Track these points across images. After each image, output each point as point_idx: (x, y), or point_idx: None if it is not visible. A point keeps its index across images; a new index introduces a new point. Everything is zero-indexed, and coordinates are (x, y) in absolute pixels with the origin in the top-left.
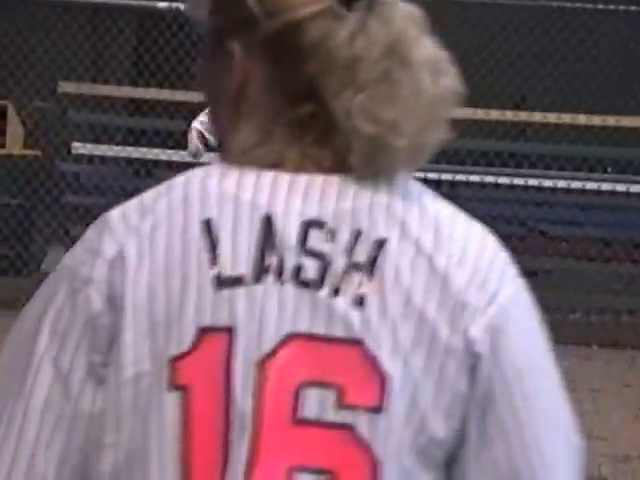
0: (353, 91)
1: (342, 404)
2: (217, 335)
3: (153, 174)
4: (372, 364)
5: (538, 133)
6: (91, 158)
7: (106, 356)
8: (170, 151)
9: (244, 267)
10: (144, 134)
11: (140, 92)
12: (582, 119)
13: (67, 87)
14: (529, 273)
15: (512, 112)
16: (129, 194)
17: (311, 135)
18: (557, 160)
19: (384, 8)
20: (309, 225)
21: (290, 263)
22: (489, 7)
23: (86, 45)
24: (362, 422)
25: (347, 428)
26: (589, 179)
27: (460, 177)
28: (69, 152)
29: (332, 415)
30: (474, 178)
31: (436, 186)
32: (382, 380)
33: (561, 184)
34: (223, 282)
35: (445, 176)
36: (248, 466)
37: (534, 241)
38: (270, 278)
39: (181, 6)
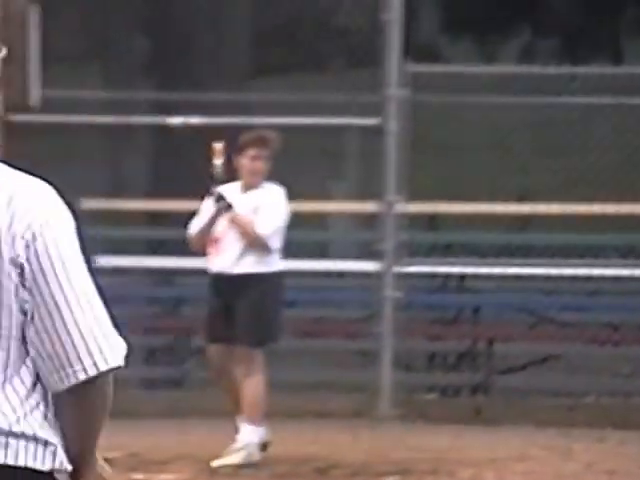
0: None
1: None
2: None
3: (173, 282)
4: None
5: (542, 224)
6: (113, 270)
7: None
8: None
9: None
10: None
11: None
12: (584, 208)
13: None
14: (542, 359)
15: (516, 204)
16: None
17: None
18: (562, 249)
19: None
20: None
21: None
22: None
23: (105, 163)
24: None
25: None
26: (593, 265)
27: (469, 270)
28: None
29: None
30: (483, 270)
31: (445, 280)
32: None
33: (567, 272)
34: None
35: (455, 269)
36: None
37: (544, 328)
38: None
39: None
